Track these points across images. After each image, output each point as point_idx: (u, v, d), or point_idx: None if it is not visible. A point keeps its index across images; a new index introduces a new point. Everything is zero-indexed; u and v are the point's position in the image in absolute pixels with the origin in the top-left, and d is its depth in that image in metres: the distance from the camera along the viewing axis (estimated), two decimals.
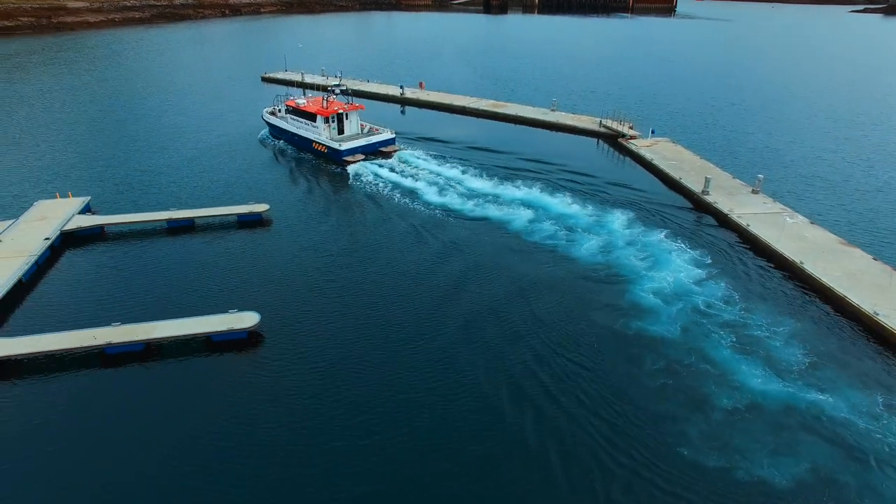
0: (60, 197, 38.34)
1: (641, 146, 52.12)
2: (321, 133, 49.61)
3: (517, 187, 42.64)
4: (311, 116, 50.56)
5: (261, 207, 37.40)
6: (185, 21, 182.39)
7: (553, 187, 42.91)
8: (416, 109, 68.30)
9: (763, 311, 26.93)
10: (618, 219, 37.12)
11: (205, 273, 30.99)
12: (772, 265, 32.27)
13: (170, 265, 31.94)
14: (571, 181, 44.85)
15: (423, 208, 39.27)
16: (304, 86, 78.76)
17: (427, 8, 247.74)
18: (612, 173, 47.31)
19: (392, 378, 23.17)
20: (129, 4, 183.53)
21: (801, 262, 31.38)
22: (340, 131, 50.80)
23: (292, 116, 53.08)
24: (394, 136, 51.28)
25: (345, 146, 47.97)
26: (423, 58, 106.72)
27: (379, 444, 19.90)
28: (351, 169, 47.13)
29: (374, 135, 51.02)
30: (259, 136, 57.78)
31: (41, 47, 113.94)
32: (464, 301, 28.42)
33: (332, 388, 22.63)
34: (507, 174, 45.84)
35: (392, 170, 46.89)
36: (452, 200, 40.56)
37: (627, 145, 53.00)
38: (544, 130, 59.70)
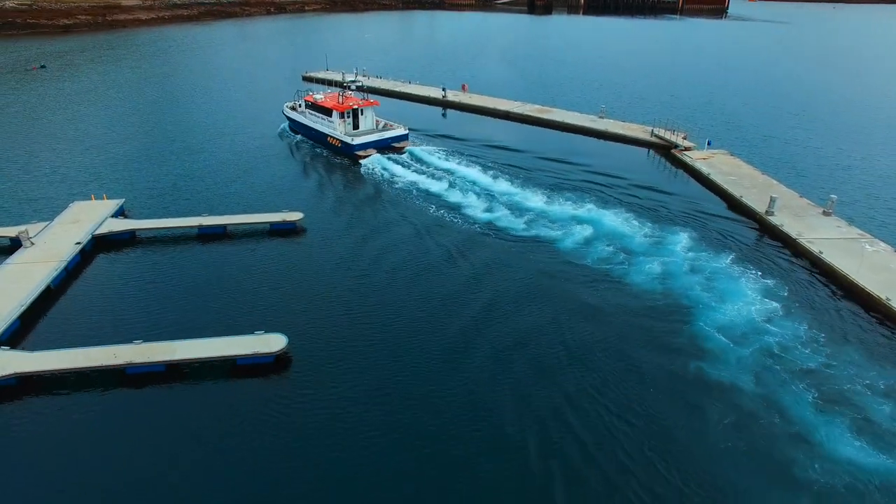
0: (95, 199, 37.72)
1: (697, 159, 48.58)
2: (336, 128, 50.58)
3: (565, 201, 40.01)
4: (327, 112, 51.74)
5: (294, 216, 35.84)
6: (231, 18, 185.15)
7: (603, 202, 40.08)
8: (458, 113, 66.04)
9: (849, 357, 23.64)
10: (676, 240, 34.03)
11: (233, 286, 29.48)
12: (852, 300, 28.72)
13: (197, 276, 30.58)
14: (623, 195, 41.87)
15: (459, 221, 37.10)
16: (342, 86, 77.76)
17: (471, 7, 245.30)
18: (666, 188, 44.04)
19: (416, 412, 21.20)
20: (178, 2, 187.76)
21: (888, 299, 27.80)
22: (356, 126, 51.63)
23: (310, 111, 54.12)
24: (406, 132, 52.14)
25: (357, 141, 48.81)
26: (465, 59, 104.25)
27: (404, 483, 17.91)
28: (366, 165, 47.54)
29: (387, 130, 51.69)
30: (278, 129, 58.66)
31: (93, 45, 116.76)
32: (500, 328, 26.11)
33: (359, 418, 20.80)
34: (554, 185, 43.24)
35: (406, 167, 47.18)
36: (491, 212, 38.34)
37: (682, 157, 49.51)
38: (592, 139, 56.57)
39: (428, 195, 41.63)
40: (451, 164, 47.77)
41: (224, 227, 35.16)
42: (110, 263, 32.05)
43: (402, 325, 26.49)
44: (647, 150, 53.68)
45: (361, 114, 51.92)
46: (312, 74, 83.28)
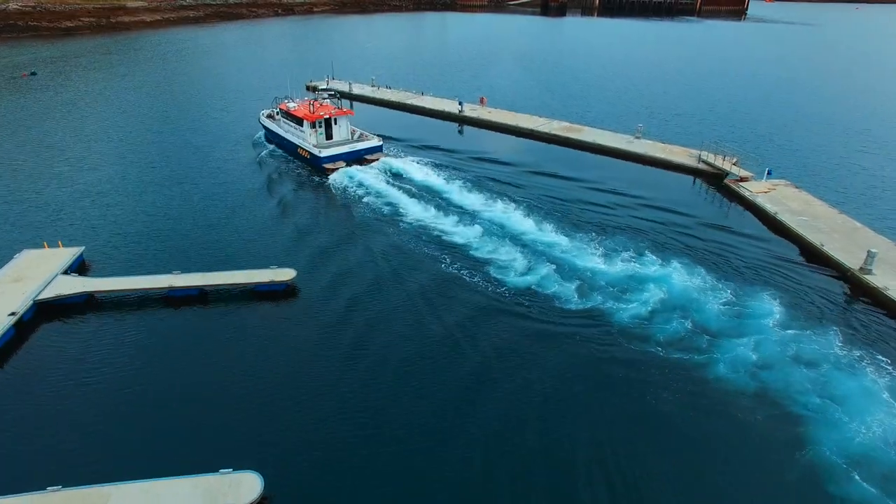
0: (49, 247, 31.21)
1: (757, 192, 41.36)
2: (307, 138, 47.18)
3: (609, 244, 33.29)
4: (299, 121, 48.19)
5: (285, 275, 29.14)
6: (238, 20, 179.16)
7: (658, 245, 33.28)
8: (475, 130, 59.08)
9: None
10: (761, 307, 26.88)
11: (203, 397, 22.46)
12: None
13: (156, 378, 23.14)
14: (678, 236, 35.00)
15: (459, 267, 30.62)
16: (350, 97, 71.13)
17: (483, 9, 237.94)
18: (726, 228, 36.93)
19: None
20: (185, 3, 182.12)
21: None
22: (329, 137, 48.05)
23: (284, 120, 50.78)
24: (380, 143, 48.57)
25: (325, 153, 45.55)
26: (480, 65, 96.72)
27: None
28: (333, 180, 44.02)
29: (359, 141, 48.14)
30: (254, 138, 55.18)
31: (90, 49, 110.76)
32: (534, 461, 19.17)
33: None
34: (592, 221, 36.51)
35: (383, 183, 43.14)
36: (506, 258, 31.67)
37: (737, 189, 42.30)
38: (628, 163, 49.46)
39: (416, 223, 36.46)
40: (435, 180, 43.07)
41: (201, 288, 28.49)
42: (50, 343, 25.28)
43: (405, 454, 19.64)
44: (692, 178, 46.49)
45: (335, 123, 47.99)
46: (317, 84, 76.56)
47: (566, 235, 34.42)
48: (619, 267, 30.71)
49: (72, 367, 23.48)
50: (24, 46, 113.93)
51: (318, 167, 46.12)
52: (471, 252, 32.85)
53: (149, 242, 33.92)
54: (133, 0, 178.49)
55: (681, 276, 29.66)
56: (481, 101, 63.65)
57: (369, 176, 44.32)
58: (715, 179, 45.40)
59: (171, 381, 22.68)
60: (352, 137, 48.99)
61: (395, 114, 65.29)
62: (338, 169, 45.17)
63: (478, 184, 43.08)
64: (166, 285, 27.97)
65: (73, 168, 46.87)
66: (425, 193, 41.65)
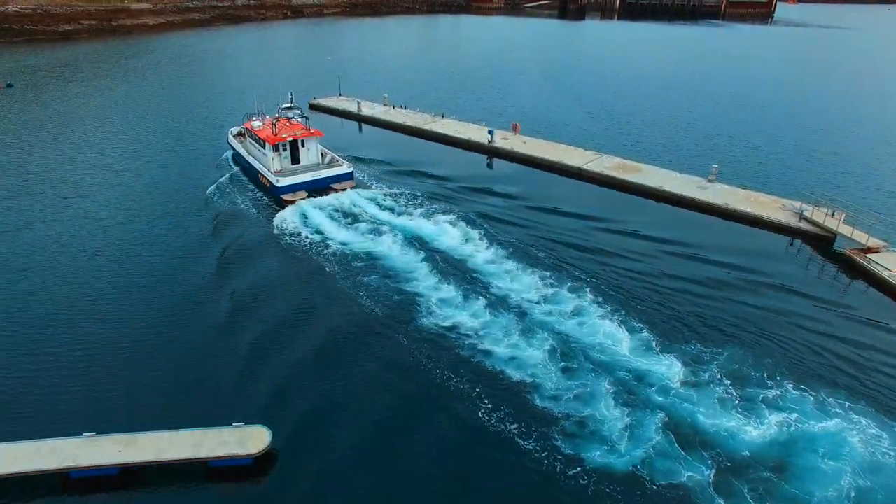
0: None
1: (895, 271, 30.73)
2: (269, 163, 40.67)
3: (693, 352, 23.41)
4: (263, 143, 41.67)
5: (253, 440, 18.85)
6: (245, 23, 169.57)
7: (792, 370, 22.82)
8: (507, 165, 48.42)
9: None
10: None
11: None
12: None
13: None
14: (792, 339, 24.87)
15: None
16: (360, 119, 60.92)
17: (498, 11, 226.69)
18: (860, 324, 26.59)
19: None
20: (190, 6, 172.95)
21: None
22: (295, 161, 41.73)
23: (251, 141, 44.46)
24: (350, 169, 41.73)
25: (283, 181, 38.98)
26: (505, 79, 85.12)
27: None
28: (282, 217, 36.78)
29: (324, 168, 41.51)
30: (220, 158, 48.72)
31: (81, 57, 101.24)
32: None
33: None
34: (679, 310, 26.35)
35: (347, 220, 36.28)
36: (555, 384, 21.64)
37: (863, 264, 31.63)
38: (703, 216, 38.89)
39: (400, 295, 27.83)
40: (422, 223, 35.10)
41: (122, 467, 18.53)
42: None
43: None
44: (790, 239, 35.87)
45: (302, 146, 41.70)
46: (322, 102, 66.40)
47: (655, 351, 23.97)
48: (771, 428, 19.95)
49: None
50: (13, 52, 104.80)
51: (276, 198, 39.38)
52: (505, 374, 22.55)
53: (39, 380, 23.08)
54: (137, 2, 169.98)
55: (823, 419, 19.41)
56: (514, 129, 52.99)
57: (331, 211, 37.48)
58: (821, 244, 34.79)
59: None
60: (322, 161, 42.60)
61: (411, 141, 54.95)
62: (296, 201, 38.63)
63: (507, 242, 33.19)
64: (66, 465, 17.90)
65: None
66: (418, 244, 32.74)
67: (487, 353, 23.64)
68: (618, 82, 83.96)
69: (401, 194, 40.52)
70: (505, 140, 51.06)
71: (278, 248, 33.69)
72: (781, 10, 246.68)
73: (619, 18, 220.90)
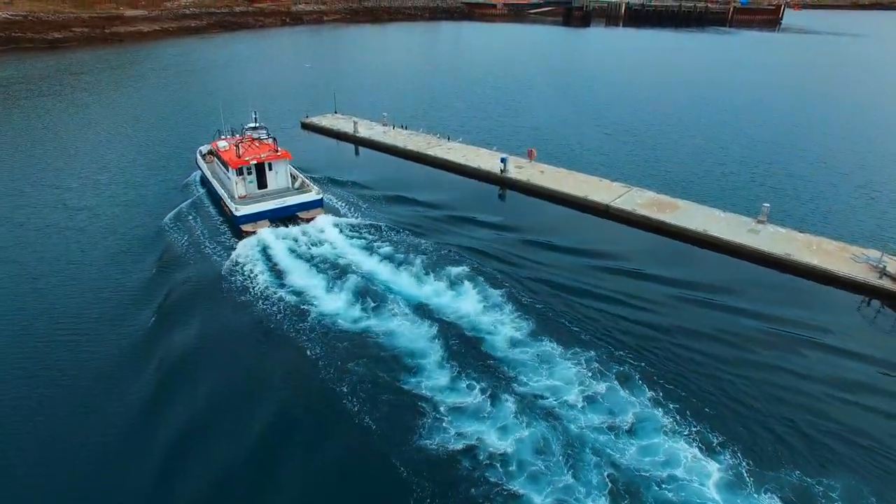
0: None
1: None
2: (233, 188, 36.44)
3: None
4: (227, 166, 37.37)
5: None
6: (242, 30, 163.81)
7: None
8: (522, 198, 42.25)
9: None
10: None
11: None
12: None
13: None
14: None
15: None
16: (356, 141, 54.81)
17: (502, 18, 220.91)
18: None
19: None
20: (188, 12, 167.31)
21: None
22: (262, 185, 37.54)
23: (218, 162, 40.32)
24: (319, 196, 37.32)
25: (242, 210, 34.77)
26: (513, 95, 78.35)
27: None
28: (238, 255, 31.86)
29: (290, 195, 37.05)
30: (187, 179, 44.11)
31: (62, 68, 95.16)
32: None
33: None
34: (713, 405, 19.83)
35: (313, 255, 31.79)
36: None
37: None
38: (759, 267, 32.61)
39: (374, 380, 21.53)
40: (412, 270, 29.67)
41: None
42: None
43: None
44: (863, 298, 29.62)
45: (269, 169, 37.43)
46: (315, 121, 60.20)
47: (750, 489, 17.62)
48: None
49: None
50: None
51: (236, 227, 35.20)
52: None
53: None
54: (132, 9, 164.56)
55: None
56: (530, 155, 46.66)
57: (297, 246, 32.83)
58: None
59: None
60: (292, 186, 38.41)
61: (412, 167, 48.79)
62: (256, 231, 34.26)
63: (531, 307, 26.79)
64: None
65: None
66: (403, 301, 27.14)
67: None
68: (637, 97, 77.31)
69: (388, 228, 35.02)
70: (520, 169, 44.79)
71: (228, 296, 28.20)
72: (789, 17, 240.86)
73: (624, 25, 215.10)
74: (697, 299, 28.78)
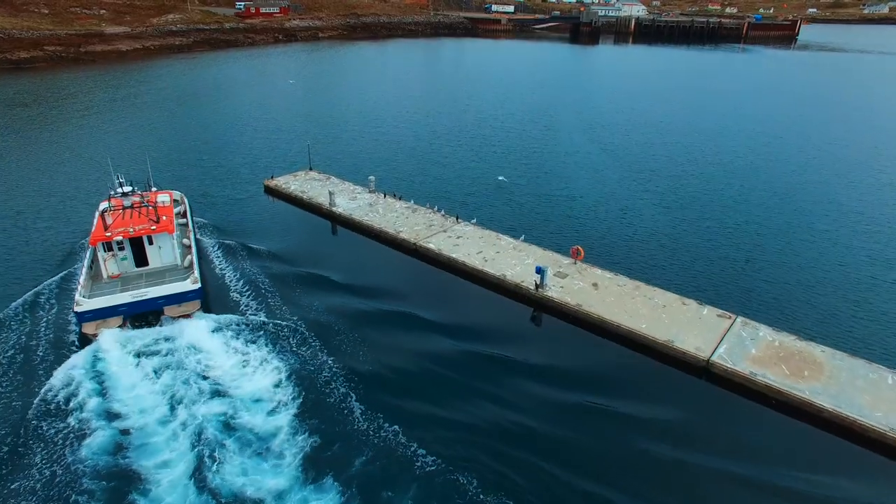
0: None
1: None
2: (101, 267, 27.82)
3: None
4: None
5: None
6: (230, 49, 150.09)
7: None
8: (560, 324, 27.68)
9: None
10: None
11: None
12: None
13: None
14: None
15: None
16: (332, 218, 40.35)
17: (506, 34, 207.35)
18: None
19: None
20: (174, 29, 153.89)
21: None
22: (142, 263, 28.87)
23: None
24: (197, 286, 27.14)
25: (86, 305, 25.23)
26: (537, 145, 60.61)
27: None
28: (78, 372, 22.34)
29: (155, 284, 27.16)
30: (80, 243, 34.63)
31: (3, 96, 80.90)
32: None
33: None
34: None
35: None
36: None
37: None
38: None
39: None
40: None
41: None
42: None
43: None
44: None
45: (150, 243, 28.90)
46: (280, 184, 45.23)
47: None
48: None
49: None
50: None
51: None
52: None
53: None
54: (113, 26, 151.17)
55: None
56: (575, 256, 31.91)
57: (151, 361, 23.68)
58: None
59: None
60: (181, 263, 29.99)
61: (407, 262, 34.22)
62: (99, 334, 25.14)
63: None
64: None
65: None
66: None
67: None
68: (703, 153, 59.13)
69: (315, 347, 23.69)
70: (561, 280, 30.06)
71: (39, 448, 18.28)
72: (805, 33, 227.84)
73: (633, 42, 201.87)
74: None
